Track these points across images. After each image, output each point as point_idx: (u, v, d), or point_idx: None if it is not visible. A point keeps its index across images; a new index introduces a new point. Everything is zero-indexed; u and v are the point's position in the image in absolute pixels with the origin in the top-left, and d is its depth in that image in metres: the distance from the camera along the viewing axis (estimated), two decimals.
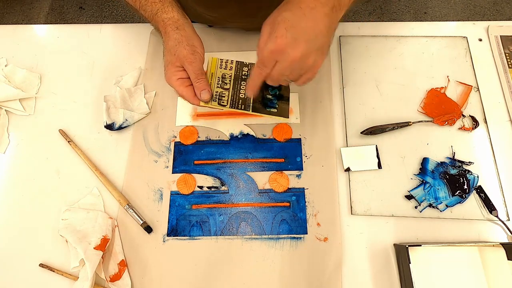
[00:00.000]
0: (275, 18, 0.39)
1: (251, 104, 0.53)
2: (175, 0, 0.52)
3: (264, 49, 0.39)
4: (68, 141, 0.60)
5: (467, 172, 0.56)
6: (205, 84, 0.49)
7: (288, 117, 0.54)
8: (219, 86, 0.53)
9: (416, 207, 0.54)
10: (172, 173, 0.58)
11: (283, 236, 0.54)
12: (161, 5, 0.50)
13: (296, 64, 0.40)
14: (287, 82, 0.46)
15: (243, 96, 0.53)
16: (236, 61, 0.56)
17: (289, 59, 0.39)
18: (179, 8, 0.51)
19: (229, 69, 0.55)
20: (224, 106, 0.52)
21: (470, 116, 0.60)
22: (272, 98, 0.54)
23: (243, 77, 0.55)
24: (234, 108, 0.52)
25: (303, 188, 0.56)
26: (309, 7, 0.38)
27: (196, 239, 0.54)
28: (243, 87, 0.54)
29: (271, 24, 0.39)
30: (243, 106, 0.53)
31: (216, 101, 0.52)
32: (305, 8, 0.38)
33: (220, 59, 0.55)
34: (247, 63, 0.56)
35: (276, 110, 0.54)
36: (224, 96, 0.53)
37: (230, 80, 0.54)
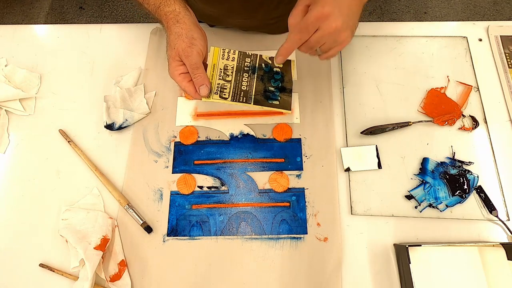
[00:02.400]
0: None
1: (253, 97, 0.52)
2: None
3: (310, 15, 0.40)
4: (68, 141, 0.60)
5: (467, 172, 0.56)
6: (202, 79, 0.48)
7: (290, 110, 0.53)
8: (221, 78, 0.52)
9: (416, 207, 0.54)
10: (172, 173, 0.58)
11: (283, 236, 0.53)
12: None
13: (334, 35, 0.42)
14: (315, 53, 0.47)
15: (245, 88, 0.52)
16: (239, 51, 0.54)
17: (331, 28, 0.41)
18: (181, 0, 0.51)
19: (232, 60, 0.53)
20: (226, 99, 0.50)
21: (470, 116, 0.60)
22: (274, 90, 0.53)
23: (245, 68, 0.53)
24: (236, 101, 0.51)
25: (303, 188, 0.56)
26: None
27: (196, 239, 0.54)
28: (245, 79, 0.53)
29: None
30: (244, 98, 0.51)
31: (217, 93, 0.50)
32: None
33: (223, 49, 0.53)
34: (250, 54, 0.54)
35: (278, 103, 0.53)
36: (226, 88, 0.51)
37: (232, 72, 0.52)
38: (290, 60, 0.54)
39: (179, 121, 0.62)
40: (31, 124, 0.62)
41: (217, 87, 0.51)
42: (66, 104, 0.64)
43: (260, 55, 0.54)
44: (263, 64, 0.54)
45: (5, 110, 0.63)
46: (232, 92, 0.51)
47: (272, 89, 0.53)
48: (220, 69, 0.52)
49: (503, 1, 1.65)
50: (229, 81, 0.52)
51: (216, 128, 0.61)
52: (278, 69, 0.55)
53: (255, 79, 0.53)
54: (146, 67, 0.66)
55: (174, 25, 0.48)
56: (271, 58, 0.54)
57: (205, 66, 0.51)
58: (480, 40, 0.67)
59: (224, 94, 0.51)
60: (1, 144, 0.60)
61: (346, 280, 0.51)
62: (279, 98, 0.53)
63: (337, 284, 0.51)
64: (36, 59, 0.68)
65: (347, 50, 0.66)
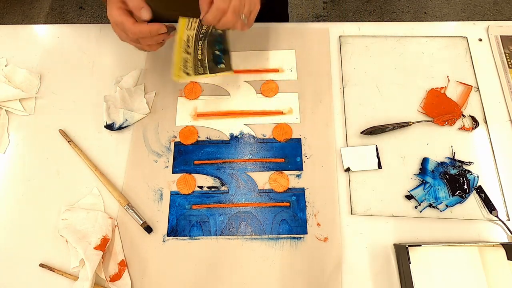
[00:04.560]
0: None
1: (207, 65, 0.51)
2: None
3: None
4: (68, 141, 0.60)
5: (467, 172, 0.56)
6: (140, 1, 0.46)
7: (232, 70, 0.53)
8: (184, 51, 0.50)
9: (416, 207, 0.54)
10: (172, 173, 0.58)
11: (283, 236, 0.54)
12: None
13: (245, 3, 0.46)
14: (242, 22, 0.49)
15: (201, 57, 0.51)
16: (199, 19, 0.50)
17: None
18: None
19: (193, 29, 0.51)
20: (189, 74, 0.50)
21: (470, 116, 0.60)
22: (219, 54, 0.53)
23: (200, 36, 0.51)
24: (196, 74, 0.50)
25: (303, 188, 0.56)
26: None
27: (196, 239, 0.54)
28: (200, 47, 0.51)
29: None
30: (202, 69, 0.51)
31: (181, 69, 0.49)
32: None
33: (188, 19, 0.50)
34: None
35: (224, 66, 0.53)
36: (187, 62, 0.50)
37: (192, 42, 0.51)
38: None
39: (179, 121, 0.62)
40: (31, 124, 0.62)
41: (183, 63, 0.50)
42: (66, 104, 0.64)
43: None
44: (212, 28, 0.52)
45: (5, 110, 0.63)
46: (193, 64, 0.50)
47: (218, 53, 0.53)
48: (184, 41, 0.50)
49: (503, 1, 1.65)
50: (190, 53, 0.51)
51: (216, 128, 0.61)
52: (220, 31, 0.53)
53: (206, 45, 0.52)
54: (146, 67, 0.66)
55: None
56: None
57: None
58: (480, 40, 0.67)
59: (187, 70, 0.50)
60: (1, 144, 0.60)
61: (346, 280, 0.51)
62: (224, 61, 0.53)
63: (337, 284, 0.51)
64: (36, 59, 0.68)
65: (347, 50, 0.66)
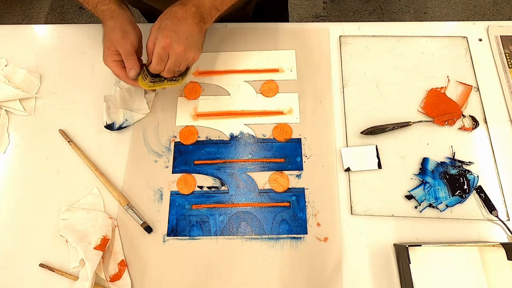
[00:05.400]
0: (159, 25, 0.51)
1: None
2: None
3: (157, 47, 0.50)
4: (68, 141, 0.60)
5: (467, 172, 0.56)
6: (133, 63, 0.54)
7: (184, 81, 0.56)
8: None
9: (416, 207, 0.54)
10: (172, 173, 0.58)
11: (283, 236, 0.54)
12: None
13: (182, 56, 0.51)
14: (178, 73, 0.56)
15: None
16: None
17: (177, 51, 0.51)
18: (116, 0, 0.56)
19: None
20: (146, 79, 0.55)
21: (470, 116, 0.60)
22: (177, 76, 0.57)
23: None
24: (154, 82, 0.55)
25: (303, 188, 0.56)
26: (182, 17, 0.51)
27: (196, 239, 0.54)
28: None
29: (157, 30, 0.51)
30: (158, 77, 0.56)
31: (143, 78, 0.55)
32: (180, 18, 0.51)
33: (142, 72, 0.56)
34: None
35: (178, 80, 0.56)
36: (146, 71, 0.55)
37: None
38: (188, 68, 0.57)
39: (179, 121, 0.62)
40: (31, 124, 0.62)
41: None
42: (66, 104, 0.64)
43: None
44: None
45: (5, 110, 0.63)
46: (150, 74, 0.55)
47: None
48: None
49: (503, 1, 1.65)
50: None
51: (216, 128, 0.61)
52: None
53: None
54: None
55: (109, 20, 0.54)
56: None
57: (139, 59, 0.56)
58: (480, 40, 0.67)
59: (145, 77, 0.55)
60: (1, 144, 0.60)
61: (346, 280, 0.51)
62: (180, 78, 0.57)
63: (337, 284, 0.51)
64: (36, 59, 0.68)
65: (347, 50, 0.66)
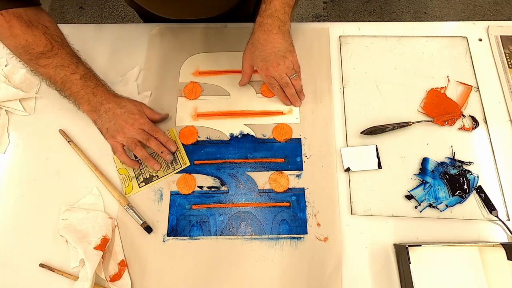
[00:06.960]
0: (251, 58, 0.59)
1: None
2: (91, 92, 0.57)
3: (263, 78, 0.60)
4: (68, 141, 0.60)
5: (467, 172, 0.56)
6: (131, 161, 0.57)
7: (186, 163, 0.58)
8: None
9: (416, 207, 0.54)
10: None
11: (283, 236, 0.54)
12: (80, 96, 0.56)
13: (283, 71, 0.57)
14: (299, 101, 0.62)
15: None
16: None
17: (278, 71, 0.57)
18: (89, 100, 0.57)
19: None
20: (137, 177, 0.58)
21: (470, 116, 0.60)
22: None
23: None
24: (147, 182, 0.57)
25: (303, 188, 0.56)
26: (265, 39, 0.56)
27: (196, 239, 0.54)
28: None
29: (250, 62, 0.59)
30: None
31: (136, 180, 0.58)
32: (263, 42, 0.56)
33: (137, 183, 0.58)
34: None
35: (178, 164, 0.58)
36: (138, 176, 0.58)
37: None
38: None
39: (179, 121, 0.62)
40: (31, 124, 0.62)
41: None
42: (66, 104, 0.63)
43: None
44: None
45: (5, 110, 0.63)
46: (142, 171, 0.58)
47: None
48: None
49: (503, 1, 1.65)
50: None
51: (216, 128, 0.61)
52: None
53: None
54: (146, 67, 0.66)
55: (101, 105, 0.56)
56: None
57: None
58: (480, 40, 0.67)
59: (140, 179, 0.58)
60: (1, 144, 0.60)
61: (346, 280, 0.51)
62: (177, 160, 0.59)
63: (337, 284, 0.51)
64: None
65: (347, 50, 0.66)
